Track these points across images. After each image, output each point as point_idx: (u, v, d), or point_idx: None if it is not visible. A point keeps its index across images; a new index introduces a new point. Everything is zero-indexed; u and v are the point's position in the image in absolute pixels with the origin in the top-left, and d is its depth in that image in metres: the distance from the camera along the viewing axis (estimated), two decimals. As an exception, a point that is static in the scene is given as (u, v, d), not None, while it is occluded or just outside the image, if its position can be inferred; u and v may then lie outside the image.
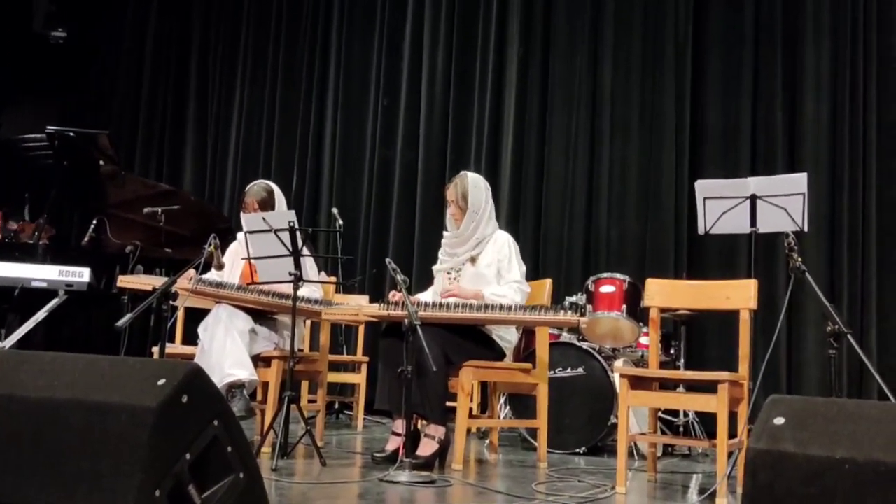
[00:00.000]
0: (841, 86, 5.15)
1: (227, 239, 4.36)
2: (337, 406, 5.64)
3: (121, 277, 4.02)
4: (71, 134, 5.69)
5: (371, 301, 4.56)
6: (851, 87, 5.12)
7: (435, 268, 4.00)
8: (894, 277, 4.88)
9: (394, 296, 3.63)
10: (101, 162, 5.81)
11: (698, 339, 5.14)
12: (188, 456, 1.78)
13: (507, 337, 3.76)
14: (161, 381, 1.78)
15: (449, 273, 3.90)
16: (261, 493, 1.97)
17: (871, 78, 5.08)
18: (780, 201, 3.72)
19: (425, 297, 3.86)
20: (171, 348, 3.99)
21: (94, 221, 5.63)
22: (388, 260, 3.45)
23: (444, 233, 3.98)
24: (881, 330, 4.87)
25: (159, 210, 5.46)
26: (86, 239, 5.59)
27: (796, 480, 1.33)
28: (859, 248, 5.01)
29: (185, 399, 1.78)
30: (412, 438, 3.34)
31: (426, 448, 3.46)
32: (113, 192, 5.85)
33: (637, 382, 3.27)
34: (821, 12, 5.24)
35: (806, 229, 3.74)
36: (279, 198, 4.14)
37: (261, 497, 1.97)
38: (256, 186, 4.15)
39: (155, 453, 1.71)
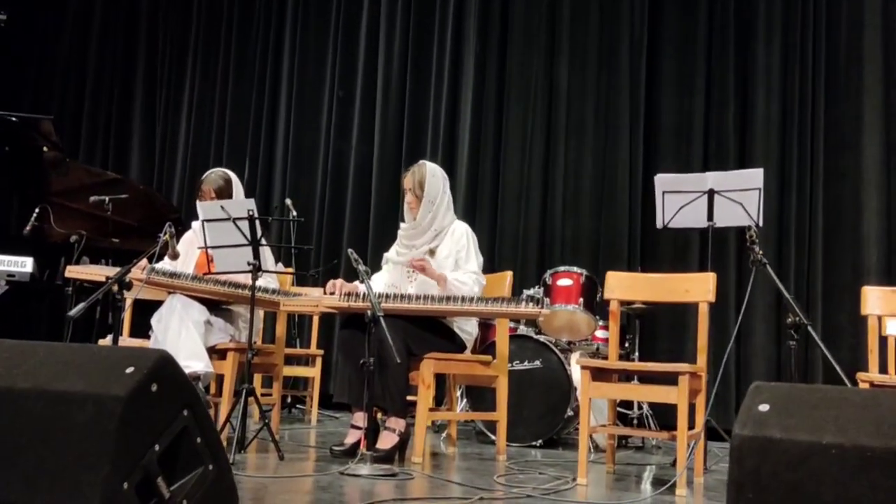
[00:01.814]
0: (790, 85, 5.27)
1: (176, 229, 4.26)
2: (289, 400, 5.56)
3: (69, 267, 3.88)
4: (12, 119, 5.48)
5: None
6: (800, 86, 5.24)
7: (388, 255, 3.94)
8: (840, 275, 5.01)
9: (333, 285, 3.59)
10: (45, 148, 5.62)
11: (649, 331, 5.21)
12: (157, 447, 1.72)
13: (468, 329, 3.75)
14: (129, 369, 1.72)
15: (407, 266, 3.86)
16: (230, 485, 1.92)
17: (819, 78, 5.21)
18: (737, 196, 3.79)
19: (376, 286, 3.80)
20: (119, 341, 3.87)
21: (37, 210, 5.44)
22: (350, 251, 3.40)
23: (401, 224, 3.94)
24: (826, 327, 4.99)
25: (106, 199, 5.31)
26: (28, 228, 5.40)
27: (782, 465, 1.34)
28: (806, 246, 5.14)
29: (154, 388, 1.72)
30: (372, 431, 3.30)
31: (386, 441, 3.42)
32: (56, 179, 5.67)
33: (597, 374, 3.29)
34: (772, 15, 5.36)
35: (761, 224, 3.81)
36: (237, 186, 4.05)
37: (230, 489, 1.92)
38: (213, 174, 4.05)
39: (123, 444, 1.65)
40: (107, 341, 3.80)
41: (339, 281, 3.64)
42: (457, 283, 3.57)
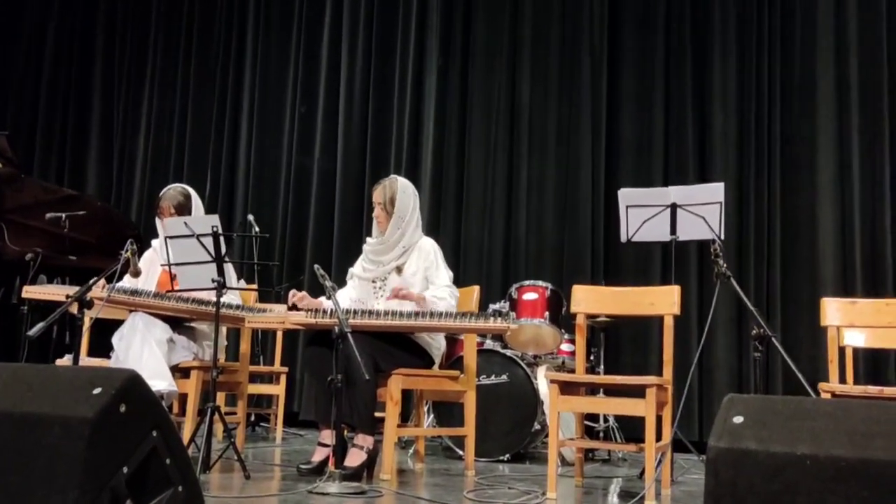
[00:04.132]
0: (747, 102, 5.38)
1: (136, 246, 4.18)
2: (253, 418, 5.48)
3: (27, 288, 3.78)
4: (-34, 135, 5.37)
5: (289, 309, 4.45)
6: (756, 103, 5.36)
7: (354, 270, 3.91)
8: (798, 288, 5.10)
9: (294, 295, 3.55)
10: (-1, 165, 5.51)
11: (613, 345, 5.25)
12: (126, 469, 1.68)
13: (436, 344, 3.74)
14: (97, 390, 1.67)
15: (374, 282, 3.84)
16: (200, 507, 1.88)
17: (774, 95, 5.33)
18: (699, 210, 3.84)
19: (342, 302, 3.76)
20: (79, 361, 3.78)
21: (-10, 227, 5.32)
22: (316, 266, 3.37)
23: (368, 239, 3.92)
24: (785, 339, 5.06)
25: (63, 216, 5.21)
26: (-20, 246, 5.27)
27: (758, 477, 1.36)
28: (764, 259, 5.23)
29: (122, 409, 1.68)
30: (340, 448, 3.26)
31: (355, 458, 3.39)
32: (10, 196, 5.55)
33: (565, 388, 3.30)
34: (727, 35, 5.48)
35: (722, 237, 3.86)
36: (196, 203, 4.00)
37: (200, 511, 1.88)
38: (172, 191, 3.99)
39: (91, 467, 1.61)
40: (65, 361, 3.71)
41: (303, 293, 3.60)
42: (435, 299, 3.57)
